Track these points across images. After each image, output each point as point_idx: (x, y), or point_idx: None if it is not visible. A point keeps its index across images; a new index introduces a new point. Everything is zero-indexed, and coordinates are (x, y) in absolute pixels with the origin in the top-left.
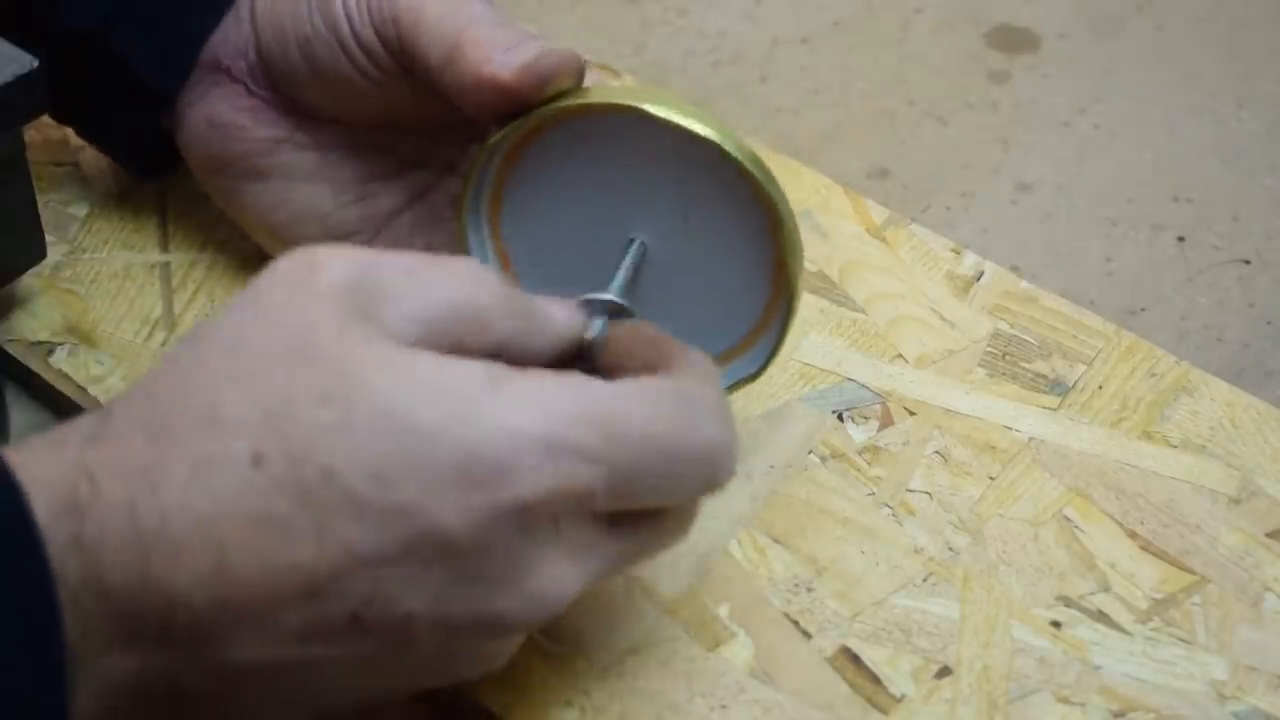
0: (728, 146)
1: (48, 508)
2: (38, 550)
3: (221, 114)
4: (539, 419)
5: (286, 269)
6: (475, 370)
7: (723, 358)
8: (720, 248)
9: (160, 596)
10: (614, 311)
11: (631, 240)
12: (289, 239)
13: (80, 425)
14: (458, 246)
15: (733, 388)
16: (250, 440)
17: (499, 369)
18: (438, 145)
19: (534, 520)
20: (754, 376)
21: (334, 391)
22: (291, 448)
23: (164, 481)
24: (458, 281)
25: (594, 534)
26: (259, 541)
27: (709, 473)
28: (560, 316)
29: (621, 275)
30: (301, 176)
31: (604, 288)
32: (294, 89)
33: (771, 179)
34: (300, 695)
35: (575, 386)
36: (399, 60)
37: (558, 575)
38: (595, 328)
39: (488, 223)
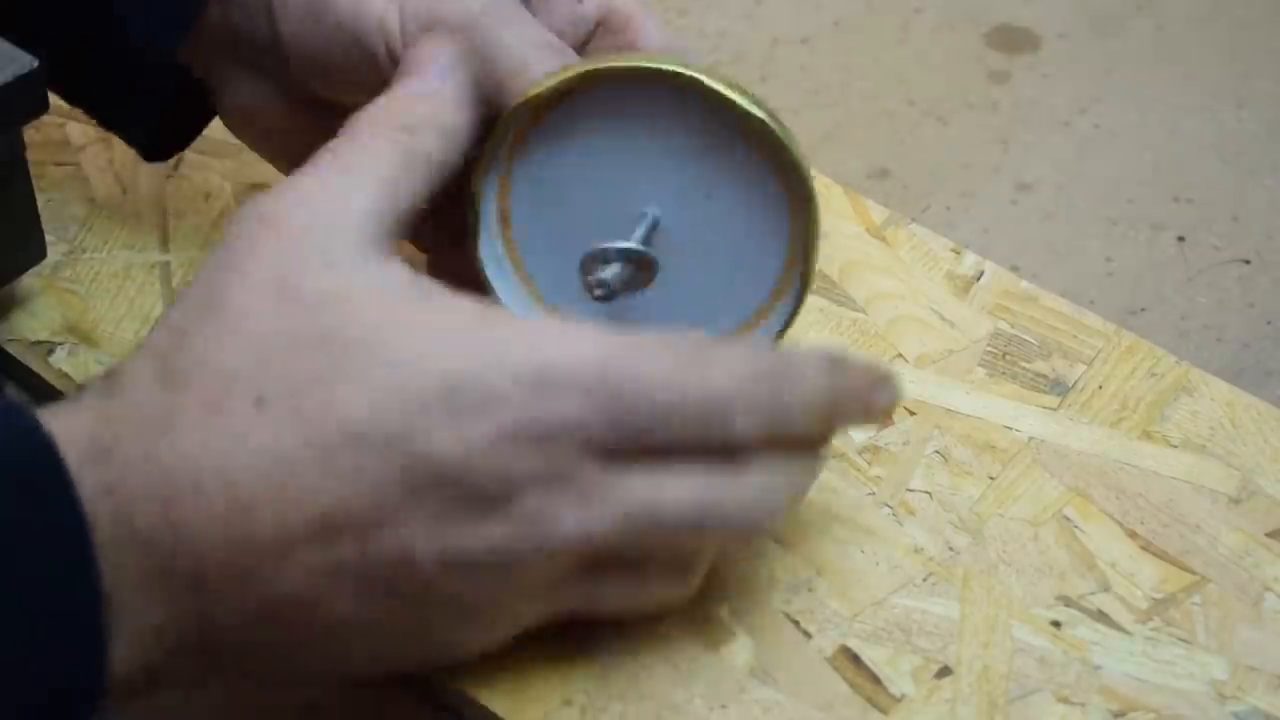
0: (758, 112)
1: (77, 456)
2: (71, 496)
3: (252, 97)
4: (526, 352)
5: (246, 225)
6: (465, 308)
7: (736, 330)
8: (738, 221)
9: (185, 537)
10: (634, 264)
11: (644, 213)
12: None
13: (92, 386)
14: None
15: None
16: (252, 385)
17: (492, 310)
18: None
19: (526, 450)
20: (796, 309)
21: (325, 330)
22: (290, 387)
23: (177, 428)
24: (391, 155)
25: (597, 475)
26: (269, 478)
27: (712, 419)
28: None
29: (616, 264)
30: None
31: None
32: (311, 80)
33: (796, 144)
34: (321, 641)
35: (568, 328)
36: None
37: (556, 508)
38: (611, 272)
39: (498, 188)
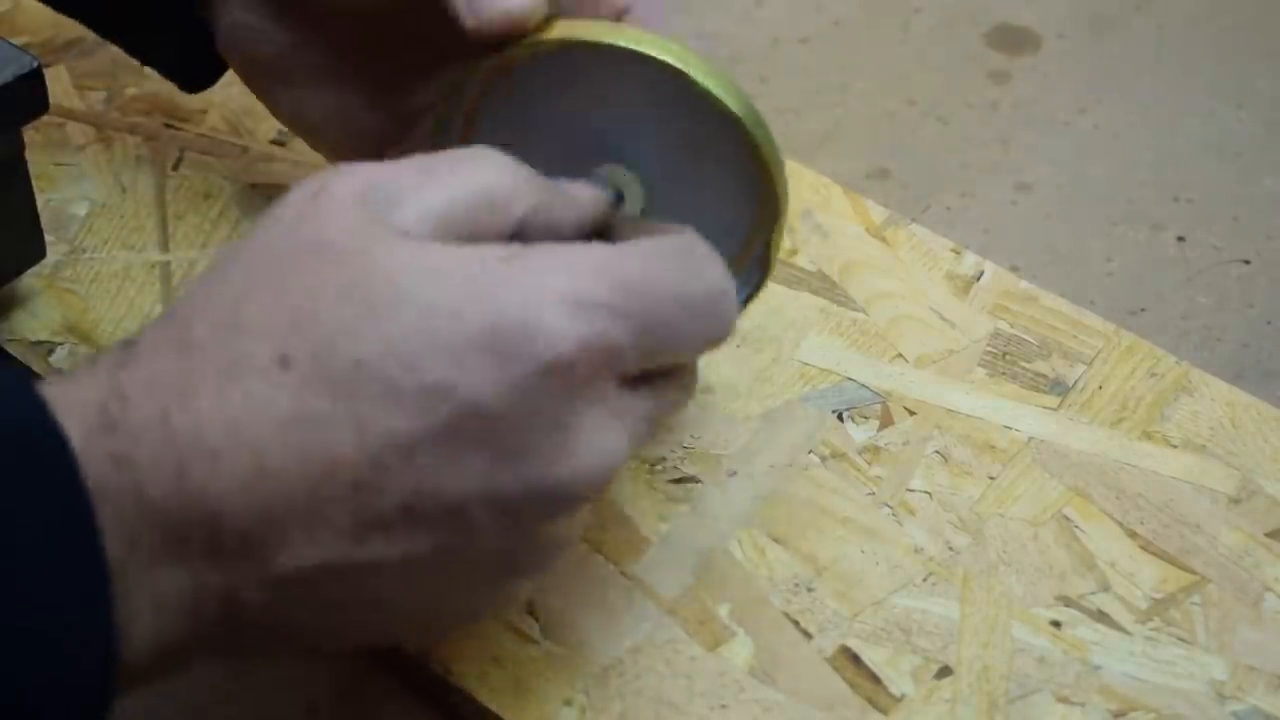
0: (693, 73)
1: (83, 426)
2: (72, 466)
3: (245, 17)
4: (560, 281)
5: (296, 192)
6: (490, 249)
7: None
8: (701, 172)
9: (203, 506)
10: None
11: (603, 174)
12: (323, 141)
13: (109, 353)
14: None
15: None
16: (274, 343)
17: (514, 247)
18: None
19: (569, 384)
20: (750, 297)
21: (352, 286)
22: (317, 347)
23: (194, 391)
24: (475, 172)
25: (628, 395)
26: (297, 441)
27: (714, 322)
28: (585, 193)
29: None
30: (328, 77)
31: None
32: None
33: (770, 144)
34: (359, 608)
35: (587, 249)
36: None
37: (603, 438)
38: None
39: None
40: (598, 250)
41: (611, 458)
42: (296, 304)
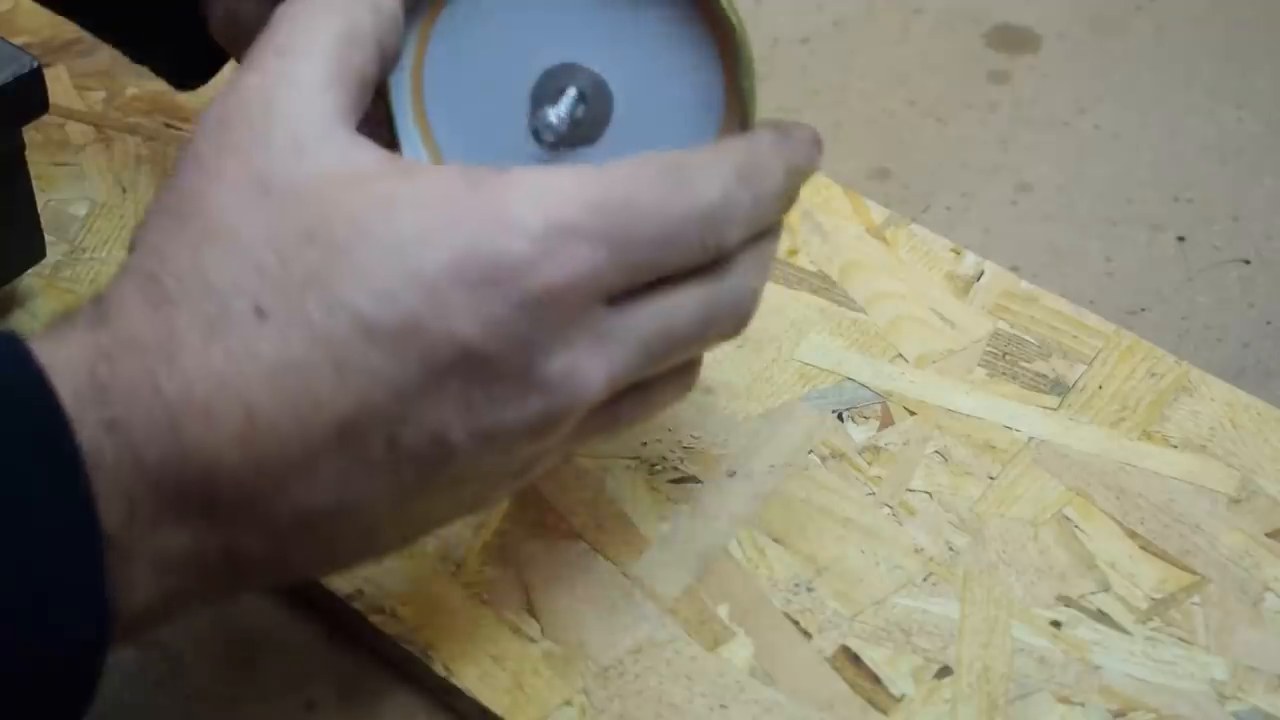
0: None
1: (73, 390)
2: (66, 437)
3: (239, 4)
4: (529, 208)
5: (206, 131)
6: (451, 174)
7: None
8: (669, 72)
9: (199, 465)
10: (584, 101)
11: (567, 68)
12: None
13: (81, 313)
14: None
15: None
16: (248, 295)
17: (480, 172)
18: None
19: (544, 312)
20: None
21: (313, 229)
22: (289, 295)
23: (178, 350)
24: (329, 29)
25: (610, 318)
26: (283, 390)
27: (708, 233)
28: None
29: (566, 102)
30: None
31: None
32: None
33: None
34: (354, 537)
35: (552, 173)
36: None
37: (581, 363)
38: (557, 114)
39: (411, 71)
40: (567, 173)
41: (589, 383)
42: (260, 252)
